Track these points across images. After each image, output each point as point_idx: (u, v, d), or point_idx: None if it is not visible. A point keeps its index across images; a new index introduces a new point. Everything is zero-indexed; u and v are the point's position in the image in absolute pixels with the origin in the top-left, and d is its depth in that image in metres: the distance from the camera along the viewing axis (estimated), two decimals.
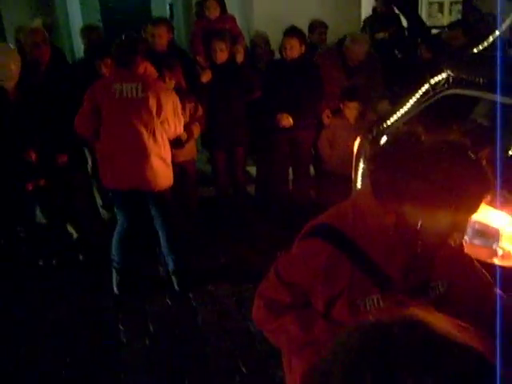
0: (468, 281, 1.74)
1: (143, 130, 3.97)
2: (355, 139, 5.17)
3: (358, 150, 4.04)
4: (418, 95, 3.91)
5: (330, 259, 1.59)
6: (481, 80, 3.46)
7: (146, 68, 4.06)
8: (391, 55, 6.60)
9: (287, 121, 5.02)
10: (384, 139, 3.79)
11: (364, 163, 3.88)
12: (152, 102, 3.96)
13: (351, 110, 5.01)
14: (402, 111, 3.95)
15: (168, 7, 13.52)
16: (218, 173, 5.45)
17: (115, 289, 4.45)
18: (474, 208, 1.44)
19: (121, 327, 4.07)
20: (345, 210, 1.68)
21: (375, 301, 1.60)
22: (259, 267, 4.60)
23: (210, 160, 5.66)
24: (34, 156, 4.36)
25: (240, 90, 5.11)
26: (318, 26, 6.15)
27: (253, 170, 6.16)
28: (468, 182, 1.38)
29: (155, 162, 4.06)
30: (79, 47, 8.12)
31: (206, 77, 5.06)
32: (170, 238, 4.38)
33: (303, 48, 5.04)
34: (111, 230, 4.48)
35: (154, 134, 4.02)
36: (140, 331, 4.02)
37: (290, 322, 1.69)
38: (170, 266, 4.48)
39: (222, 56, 5.03)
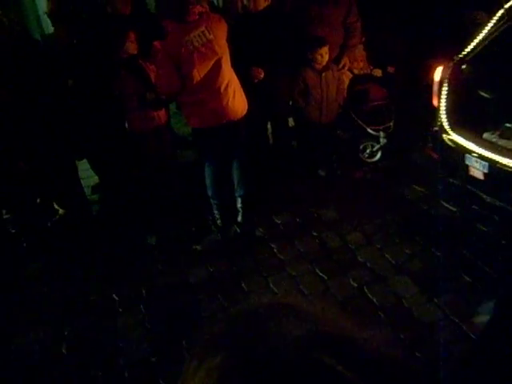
0: None
1: (224, 66, 4.21)
2: (328, 87, 5.17)
3: (441, 76, 4.28)
4: (493, 21, 4.01)
5: None
6: None
7: (198, 10, 4.17)
8: None
9: (257, 74, 4.94)
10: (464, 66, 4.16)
11: (448, 87, 4.19)
12: (220, 38, 4.18)
13: (322, 55, 5.00)
14: (480, 37, 4.12)
15: None
16: None
17: (219, 221, 4.79)
18: None
19: (115, 297, 4.12)
20: None
21: None
22: (247, 226, 4.72)
23: None
24: None
25: None
26: None
27: None
28: None
29: (237, 91, 4.36)
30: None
31: None
32: (244, 166, 4.67)
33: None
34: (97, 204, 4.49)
35: (230, 66, 4.29)
36: (134, 298, 4.07)
37: None
38: (239, 193, 4.73)
39: None
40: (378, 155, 5.51)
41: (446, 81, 4.21)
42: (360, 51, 6.03)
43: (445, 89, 4.22)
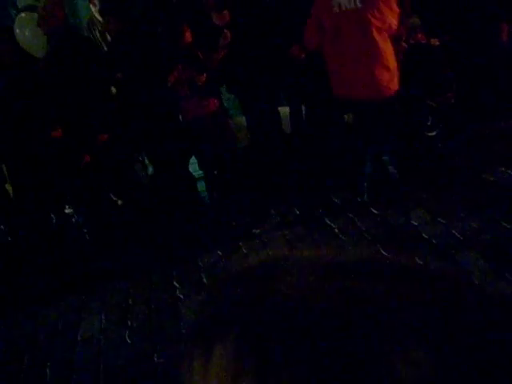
0: None
1: (365, 39, 4.06)
2: None
3: None
4: None
5: None
6: None
7: None
8: None
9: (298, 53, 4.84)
10: None
11: None
12: (370, 10, 4.01)
13: None
14: None
15: None
16: None
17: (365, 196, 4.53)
18: None
19: (176, 284, 4.12)
20: None
21: None
22: (305, 208, 4.62)
23: None
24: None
25: None
26: None
27: None
28: None
29: (379, 69, 4.14)
30: None
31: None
32: (394, 145, 4.59)
33: None
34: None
35: (376, 41, 4.08)
36: (195, 285, 4.05)
37: None
38: (392, 170, 4.60)
39: None
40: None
41: None
42: (417, 21, 5.78)
43: None
